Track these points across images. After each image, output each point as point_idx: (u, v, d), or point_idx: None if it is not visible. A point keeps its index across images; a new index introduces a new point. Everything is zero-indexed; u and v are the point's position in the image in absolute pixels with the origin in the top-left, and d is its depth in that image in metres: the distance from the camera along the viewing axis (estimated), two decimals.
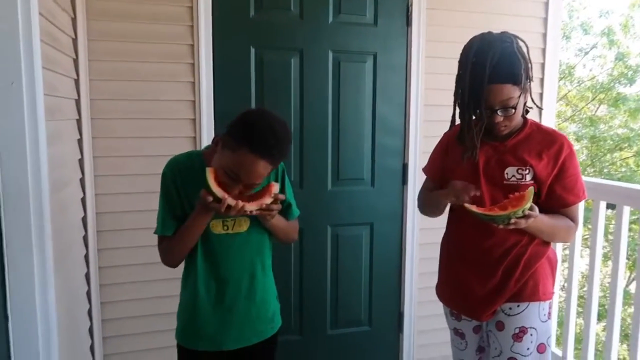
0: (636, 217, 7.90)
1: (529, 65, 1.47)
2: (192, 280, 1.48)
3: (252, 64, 2.40)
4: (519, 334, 1.55)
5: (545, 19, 2.76)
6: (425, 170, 1.84)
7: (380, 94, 2.60)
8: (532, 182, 1.51)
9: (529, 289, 1.56)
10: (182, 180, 1.41)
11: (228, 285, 1.44)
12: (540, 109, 1.60)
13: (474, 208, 1.43)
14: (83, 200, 2.16)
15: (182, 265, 1.52)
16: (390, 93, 2.62)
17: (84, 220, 2.17)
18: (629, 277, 8.94)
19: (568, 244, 2.35)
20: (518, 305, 1.56)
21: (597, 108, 12.01)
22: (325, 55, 2.50)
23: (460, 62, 1.51)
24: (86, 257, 2.18)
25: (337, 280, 2.65)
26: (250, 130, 1.28)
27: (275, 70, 2.44)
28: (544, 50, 2.77)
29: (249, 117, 1.32)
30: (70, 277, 1.90)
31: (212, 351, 1.49)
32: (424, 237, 2.71)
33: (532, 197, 1.37)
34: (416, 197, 2.63)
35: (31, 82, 1.39)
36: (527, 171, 1.51)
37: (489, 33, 1.49)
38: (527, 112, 1.59)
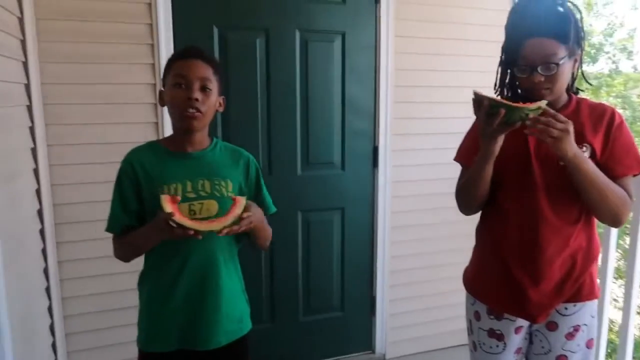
0: None
1: (580, 26, 1.32)
2: (154, 279, 1.40)
3: (215, 45, 2.29)
4: (572, 332, 1.45)
5: None
6: (459, 159, 1.57)
7: (350, 74, 2.53)
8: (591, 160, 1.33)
9: (586, 288, 1.44)
10: (143, 173, 1.33)
11: (193, 281, 1.36)
12: (590, 85, 1.47)
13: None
14: (38, 192, 2.03)
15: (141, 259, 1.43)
16: (359, 74, 2.55)
17: (40, 212, 2.04)
18: None
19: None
20: (575, 305, 1.44)
21: None
22: (292, 35, 2.40)
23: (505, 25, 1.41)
24: (44, 251, 2.06)
25: (308, 266, 2.60)
26: (173, 53, 1.44)
27: (240, 50, 2.34)
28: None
29: None
30: (24, 273, 1.79)
31: (177, 353, 1.39)
32: (395, 220, 2.69)
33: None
34: (387, 180, 2.63)
35: None
36: (585, 149, 1.33)
37: None
38: (577, 92, 1.44)
